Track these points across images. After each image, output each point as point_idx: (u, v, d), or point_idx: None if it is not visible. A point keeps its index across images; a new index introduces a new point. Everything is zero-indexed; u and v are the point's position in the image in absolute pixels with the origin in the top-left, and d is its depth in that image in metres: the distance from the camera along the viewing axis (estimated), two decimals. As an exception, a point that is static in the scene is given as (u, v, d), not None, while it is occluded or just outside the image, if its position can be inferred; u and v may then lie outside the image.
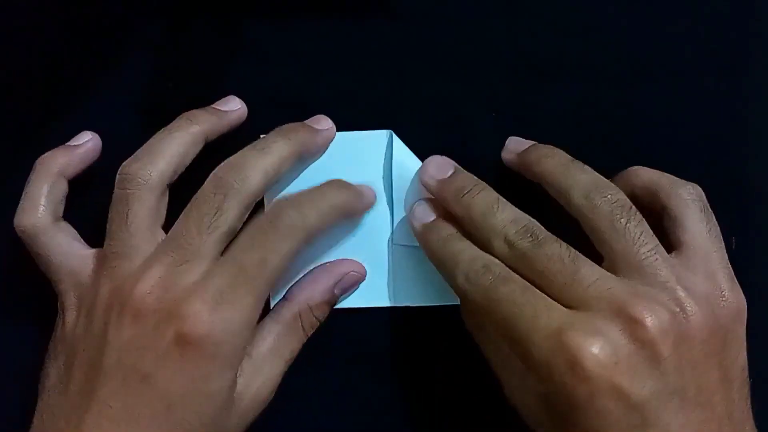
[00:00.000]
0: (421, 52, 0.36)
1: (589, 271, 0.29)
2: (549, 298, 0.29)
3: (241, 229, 0.31)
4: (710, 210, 0.31)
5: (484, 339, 0.32)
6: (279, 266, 0.30)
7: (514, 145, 0.33)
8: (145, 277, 0.29)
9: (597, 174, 0.31)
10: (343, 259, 0.34)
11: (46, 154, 0.33)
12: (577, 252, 0.29)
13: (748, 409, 0.29)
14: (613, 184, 0.30)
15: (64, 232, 0.33)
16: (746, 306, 0.30)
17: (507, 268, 0.30)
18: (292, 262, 0.31)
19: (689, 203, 0.31)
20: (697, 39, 0.36)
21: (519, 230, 0.30)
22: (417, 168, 0.34)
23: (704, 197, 0.31)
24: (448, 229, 0.32)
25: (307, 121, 0.34)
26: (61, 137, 0.34)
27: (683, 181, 0.31)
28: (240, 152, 0.31)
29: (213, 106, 0.34)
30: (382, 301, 0.35)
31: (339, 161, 0.34)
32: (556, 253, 0.29)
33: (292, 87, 0.35)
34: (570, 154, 0.32)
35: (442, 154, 0.34)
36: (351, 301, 0.35)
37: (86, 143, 0.34)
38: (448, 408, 0.35)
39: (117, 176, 0.31)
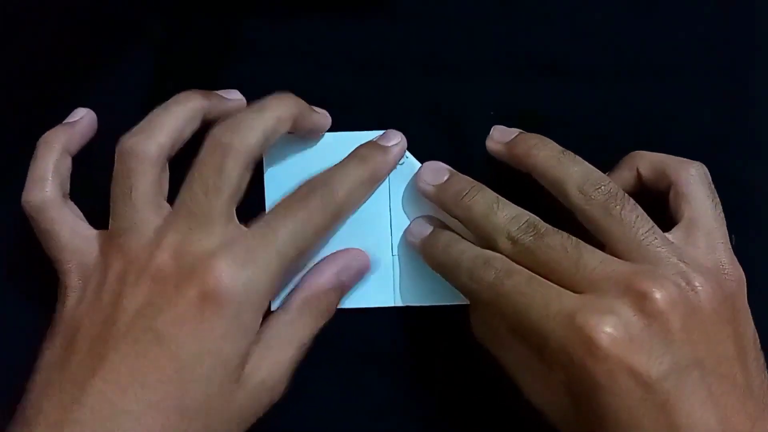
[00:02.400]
0: (421, 52, 0.36)
1: (592, 256, 0.29)
2: (556, 286, 0.29)
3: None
4: (715, 190, 0.31)
5: (499, 345, 0.32)
6: (309, 239, 0.31)
7: (499, 135, 0.33)
8: (162, 245, 0.30)
9: (588, 165, 0.31)
10: (346, 249, 0.34)
11: (46, 133, 0.33)
12: (579, 240, 0.30)
13: (764, 382, 0.29)
14: (604, 175, 0.31)
15: (72, 209, 0.33)
16: (746, 281, 0.30)
17: (509, 261, 0.30)
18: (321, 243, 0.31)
19: (696, 179, 0.31)
20: (698, 38, 0.36)
21: (521, 226, 0.30)
22: (414, 167, 0.34)
23: (710, 176, 0.32)
24: (446, 236, 0.32)
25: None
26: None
27: (690, 160, 0.32)
28: (236, 114, 0.32)
29: (214, 92, 0.34)
30: (386, 301, 0.35)
31: (335, 162, 0.34)
32: (558, 242, 0.29)
33: (291, 86, 0.35)
34: None
35: (441, 154, 0.34)
36: (354, 302, 0.35)
37: (83, 119, 0.34)
38: (451, 407, 0.35)
39: (116, 152, 0.31)
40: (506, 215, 0.31)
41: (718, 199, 0.31)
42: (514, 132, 0.33)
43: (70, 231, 0.32)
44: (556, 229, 0.30)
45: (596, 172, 0.31)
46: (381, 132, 0.35)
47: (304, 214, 0.31)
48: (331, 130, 0.35)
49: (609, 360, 0.27)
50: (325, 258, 0.34)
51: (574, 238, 0.30)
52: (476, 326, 0.33)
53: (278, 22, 0.36)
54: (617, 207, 0.30)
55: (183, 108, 0.32)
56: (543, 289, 0.29)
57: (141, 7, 0.36)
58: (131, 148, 0.31)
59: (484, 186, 0.32)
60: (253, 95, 0.34)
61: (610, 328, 0.27)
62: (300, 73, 0.36)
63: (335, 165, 0.33)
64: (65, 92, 0.36)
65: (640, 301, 0.28)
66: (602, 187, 0.30)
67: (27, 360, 0.32)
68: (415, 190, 0.34)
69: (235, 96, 0.35)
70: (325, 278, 0.33)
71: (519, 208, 0.31)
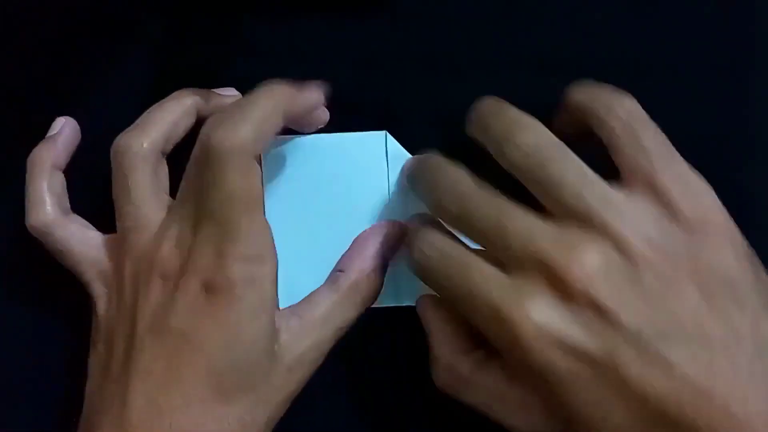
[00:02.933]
0: (421, 51, 0.36)
1: (519, 225, 0.28)
2: (484, 267, 0.28)
3: None
4: (647, 121, 0.29)
5: (464, 388, 0.30)
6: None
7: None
8: (165, 240, 0.30)
9: (512, 113, 0.29)
10: (379, 223, 0.34)
11: (32, 153, 0.34)
12: (512, 205, 0.28)
13: (758, 316, 0.26)
14: (528, 124, 0.29)
15: (77, 223, 0.33)
16: (718, 207, 0.28)
17: (442, 243, 0.29)
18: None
19: (618, 130, 0.28)
20: (697, 38, 0.36)
21: (453, 196, 0.29)
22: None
23: (635, 109, 0.29)
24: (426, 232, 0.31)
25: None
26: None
27: (608, 103, 0.29)
28: (227, 106, 0.32)
29: (211, 90, 0.34)
30: (384, 300, 0.34)
31: (334, 163, 0.34)
32: (487, 213, 0.28)
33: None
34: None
35: (440, 153, 0.34)
36: None
37: (63, 130, 0.34)
38: (451, 407, 0.35)
39: (111, 152, 0.32)
40: (445, 185, 0.30)
41: (653, 131, 0.29)
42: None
43: (80, 244, 0.32)
44: (491, 195, 0.29)
45: (520, 123, 0.29)
46: (376, 133, 0.34)
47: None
48: (330, 130, 0.35)
49: (544, 350, 0.26)
50: (364, 235, 0.34)
51: (508, 204, 0.28)
52: (436, 374, 0.31)
53: (278, 22, 0.36)
54: (544, 161, 0.28)
55: (176, 104, 0.32)
56: (473, 278, 0.28)
57: (140, 7, 0.36)
58: (123, 146, 0.31)
59: (441, 158, 0.31)
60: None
61: (535, 318, 0.26)
62: (300, 73, 0.35)
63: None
64: (64, 92, 0.36)
65: (558, 280, 0.26)
66: (526, 140, 0.28)
67: (27, 362, 0.33)
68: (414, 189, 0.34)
69: (230, 92, 0.35)
70: (370, 258, 0.33)
71: (463, 174, 0.30)
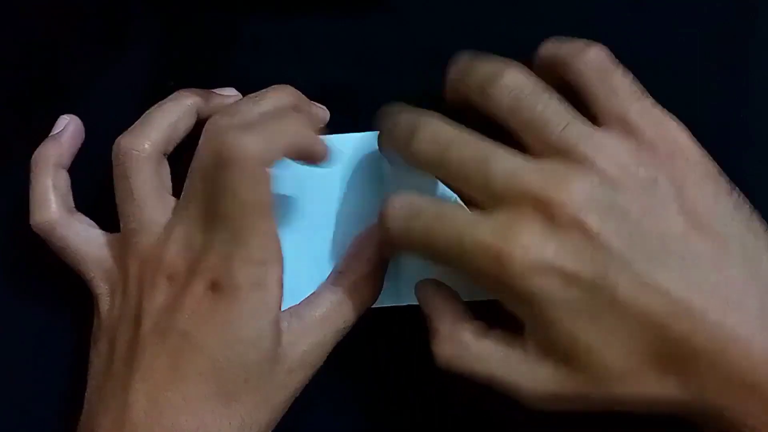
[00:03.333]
0: (421, 50, 0.36)
1: (501, 164, 0.28)
2: (466, 210, 0.29)
3: None
4: (614, 63, 0.30)
5: (467, 357, 0.30)
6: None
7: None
8: (171, 241, 0.30)
9: (495, 59, 0.30)
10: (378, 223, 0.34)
11: (36, 151, 0.34)
12: (491, 146, 0.29)
13: (746, 237, 0.28)
14: (511, 65, 0.30)
15: (81, 221, 0.33)
16: (685, 135, 0.29)
17: (413, 197, 0.29)
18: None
19: (588, 73, 0.30)
20: (697, 36, 0.35)
21: (427, 138, 0.29)
22: (410, 168, 0.34)
23: (602, 54, 0.30)
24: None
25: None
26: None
27: (577, 51, 0.30)
28: (233, 103, 0.32)
29: (210, 90, 0.34)
30: (384, 300, 0.34)
31: (333, 163, 0.34)
32: (467, 154, 0.29)
33: (292, 84, 0.35)
34: None
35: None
36: None
37: (67, 128, 0.34)
38: (451, 407, 0.35)
39: (112, 153, 0.32)
40: (424, 133, 0.30)
41: (622, 78, 0.29)
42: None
43: (84, 243, 0.32)
44: (472, 137, 0.29)
45: (503, 65, 0.30)
46: (375, 133, 0.34)
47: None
48: (330, 128, 0.35)
49: (538, 278, 0.27)
50: (362, 235, 0.34)
51: (487, 144, 0.29)
52: (438, 346, 0.31)
53: (278, 19, 0.36)
54: (528, 100, 0.29)
55: (176, 104, 0.32)
56: (453, 223, 0.28)
57: (139, 6, 0.36)
58: (125, 147, 0.31)
59: (415, 109, 0.31)
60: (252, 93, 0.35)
61: (525, 246, 0.26)
62: (300, 71, 0.36)
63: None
64: (64, 90, 0.36)
65: (547, 208, 0.27)
66: (509, 82, 0.29)
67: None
68: (412, 188, 0.34)
69: (230, 92, 0.35)
70: (368, 257, 0.33)
71: (441, 119, 0.30)
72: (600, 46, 0.30)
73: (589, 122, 0.29)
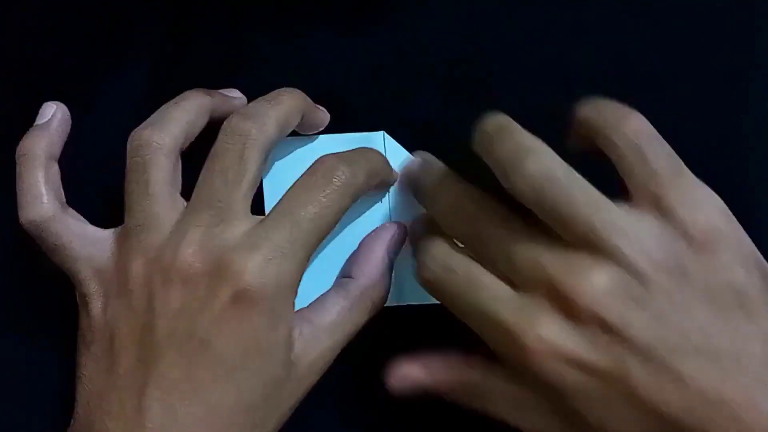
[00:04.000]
0: (424, 62, 0.36)
1: (522, 248, 0.28)
2: (491, 283, 0.29)
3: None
4: (653, 138, 0.28)
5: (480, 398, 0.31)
6: (332, 223, 0.30)
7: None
8: (185, 242, 0.29)
9: (519, 139, 0.29)
10: (383, 226, 0.34)
11: (23, 141, 0.32)
12: (515, 227, 0.29)
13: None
14: (535, 149, 0.28)
15: (75, 217, 0.32)
16: (724, 219, 0.28)
17: (449, 256, 0.30)
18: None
19: (625, 149, 0.28)
20: (697, 41, 0.36)
21: (458, 216, 0.30)
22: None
23: (641, 127, 0.29)
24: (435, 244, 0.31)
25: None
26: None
27: (615, 122, 0.29)
28: (250, 104, 0.31)
29: (217, 91, 0.34)
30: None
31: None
32: (491, 233, 0.29)
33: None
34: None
35: (439, 155, 0.34)
36: None
37: (55, 115, 0.33)
38: (451, 406, 0.35)
39: (128, 145, 0.31)
40: (449, 202, 0.30)
41: (661, 149, 0.28)
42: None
43: (79, 240, 0.31)
44: (497, 217, 0.29)
45: (527, 149, 0.28)
46: (374, 133, 0.35)
47: (325, 199, 0.30)
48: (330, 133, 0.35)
49: (555, 367, 0.27)
50: (369, 238, 0.34)
51: (514, 227, 0.29)
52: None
53: (281, 32, 0.36)
54: (551, 191, 0.27)
55: (192, 103, 0.32)
56: (480, 293, 0.29)
57: (143, 13, 0.36)
58: (146, 139, 0.30)
59: (443, 169, 0.32)
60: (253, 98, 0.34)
61: (544, 336, 0.27)
62: (302, 82, 0.36)
63: (349, 151, 0.32)
64: (67, 99, 0.36)
65: (565, 300, 0.27)
66: (532, 170, 0.28)
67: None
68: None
69: (236, 94, 0.34)
70: (377, 262, 0.33)
71: (467, 190, 0.30)
72: (639, 117, 0.29)
73: (620, 201, 0.28)
